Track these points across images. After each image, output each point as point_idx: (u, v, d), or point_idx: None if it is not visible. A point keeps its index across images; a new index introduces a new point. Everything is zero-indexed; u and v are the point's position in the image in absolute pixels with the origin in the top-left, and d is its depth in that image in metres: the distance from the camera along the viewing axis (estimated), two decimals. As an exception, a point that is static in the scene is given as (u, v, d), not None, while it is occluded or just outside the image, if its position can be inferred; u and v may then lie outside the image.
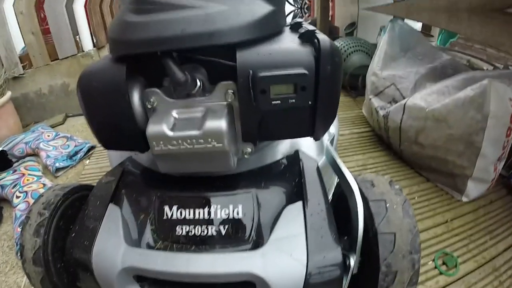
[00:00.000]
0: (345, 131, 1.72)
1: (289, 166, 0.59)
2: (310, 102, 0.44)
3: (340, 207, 0.58)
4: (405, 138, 1.32)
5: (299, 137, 0.50)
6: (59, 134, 1.83)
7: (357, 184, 0.53)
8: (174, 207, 0.53)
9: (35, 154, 1.70)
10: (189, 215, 0.52)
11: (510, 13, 0.90)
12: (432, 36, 2.40)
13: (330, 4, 2.57)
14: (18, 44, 2.17)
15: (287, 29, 0.52)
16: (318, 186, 0.53)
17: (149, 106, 0.49)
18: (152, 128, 0.45)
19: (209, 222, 0.52)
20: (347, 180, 0.53)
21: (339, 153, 1.49)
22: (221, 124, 0.44)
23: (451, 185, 1.19)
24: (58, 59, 2.23)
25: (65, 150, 1.68)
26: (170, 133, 0.45)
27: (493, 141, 1.03)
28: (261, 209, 0.52)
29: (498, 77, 1.04)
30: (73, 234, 0.55)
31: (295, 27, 0.52)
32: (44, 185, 1.38)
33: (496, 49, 1.58)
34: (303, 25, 0.50)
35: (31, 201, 1.28)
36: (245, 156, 0.52)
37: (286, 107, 0.43)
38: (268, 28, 0.45)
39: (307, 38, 0.45)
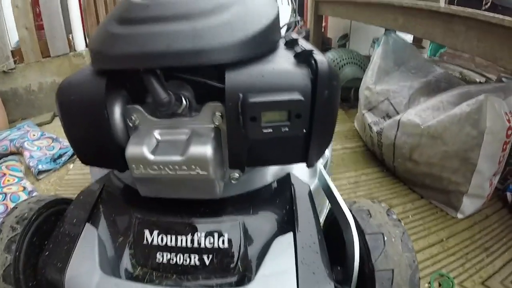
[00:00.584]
0: (337, 146, 1.70)
1: (280, 191, 0.56)
2: (304, 130, 0.41)
3: (332, 233, 0.55)
4: (399, 154, 1.30)
5: (291, 163, 0.48)
6: (44, 134, 1.79)
7: (353, 214, 0.50)
8: (155, 232, 0.50)
9: (18, 152, 1.66)
10: (171, 241, 0.49)
11: (508, 27, 0.89)
12: (424, 47, 2.42)
13: (323, 16, 2.58)
14: (13, 38, 2.13)
15: (281, 44, 0.49)
16: (311, 215, 0.50)
17: (130, 124, 0.46)
18: (131, 150, 0.42)
19: (192, 250, 0.48)
20: (342, 211, 0.50)
21: (330, 170, 1.46)
22: (206, 150, 0.41)
23: (446, 202, 1.18)
24: (49, 56, 2.23)
25: (49, 152, 1.64)
26: (151, 157, 0.42)
27: (489, 156, 1.01)
28: (248, 238, 0.49)
29: (493, 91, 1.05)
30: (47, 253, 0.52)
31: (290, 44, 0.48)
32: (24, 188, 1.35)
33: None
34: (299, 43, 0.47)
35: (10, 204, 1.24)
36: (232, 181, 0.49)
37: (278, 135, 0.40)
38: (262, 46, 0.42)
39: (304, 58, 0.42)
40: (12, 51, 2.09)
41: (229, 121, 0.40)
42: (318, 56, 0.41)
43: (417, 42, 2.50)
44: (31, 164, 1.54)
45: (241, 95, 0.38)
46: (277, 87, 0.39)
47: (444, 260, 0.98)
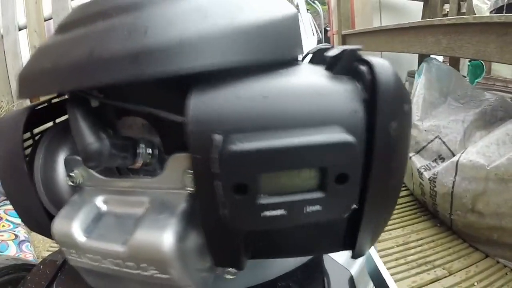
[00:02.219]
0: None
1: (307, 283, 0.40)
2: (355, 206, 0.21)
3: None
4: (458, 205, 1.18)
5: (326, 253, 0.37)
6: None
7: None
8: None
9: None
10: None
11: None
12: (465, 77, 2.29)
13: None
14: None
15: (304, 63, 0.32)
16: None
17: (70, 183, 0.34)
18: (56, 226, 0.31)
19: None
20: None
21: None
22: (164, 238, 0.25)
23: (519, 259, 1.07)
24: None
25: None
26: (81, 240, 0.29)
27: None
28: None
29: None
30: None
31: (318, 55, 0.30)
32: (16, 236, 1.29)
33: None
34: (332, 49, 0.29)
35: None
36: (227, 276, 0.32)
37: (302, 222, 0.21)
38: (262, 50, 0.24)
39: (345, 64, 0.23)
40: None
41: (198, 191, 0.23)
42: (374, 58, 0.22)
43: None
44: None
45: (217, 136, 0.20)
46: (295, 117, 0.20)
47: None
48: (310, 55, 0.31)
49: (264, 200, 0.20)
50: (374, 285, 0.49)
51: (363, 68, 0.21)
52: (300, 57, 0.31)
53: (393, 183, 0.23)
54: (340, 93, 0.21)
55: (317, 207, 0.20)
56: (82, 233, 0.29)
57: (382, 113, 0.20)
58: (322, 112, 0.20)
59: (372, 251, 0.50)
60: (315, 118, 0.20)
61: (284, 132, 0.20)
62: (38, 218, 0.34)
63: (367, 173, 0.21)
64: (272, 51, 0.25)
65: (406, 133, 0.23)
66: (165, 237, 0.24)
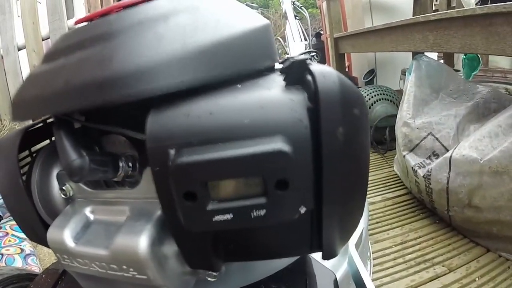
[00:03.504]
0: (376, 197, 1.55)
1: (290, 286, 0.40)
2: (304, 208, 0.23)
3: None
4: (454, 201, 1.16)
5: (293, 256, 0.37)
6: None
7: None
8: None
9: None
10: None
11: None
12: (459, 71, 2.27)
13: (345, 54, 2.52)
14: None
15: (270, 73, 0.33)
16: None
17: (63, 195, 0.38)
18: (51, 234, 0.34)
19: None
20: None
21: (369, 229, 1.35)
22: (139, 242, 0.28)
23: (520, 253, 1.05)
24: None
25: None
26: (71, 245, 0.33)
27: None
28: None
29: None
30: None
31: (283, 65, 0.32)
32: (22, 250, 1.33)
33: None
34: (294, 58, 0.30)
35: (2, 266, 1.24)
36: (209, 279, 0.33)
37: (247, 225, 0.23)
38: (217, 67, 0.25)
39: (295, 75, 0.24)
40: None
41: (160, 199, 0.26)
42: (317, 66, 0.23)
43: (448, 65, 2.39)
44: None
45: (171, 151, 0.22)
46: (238, 131, 0.22)
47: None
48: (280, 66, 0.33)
49: (212, 206, 0.22)
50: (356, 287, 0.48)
51: (309, 78, 0.23)
52: (277, 65, 0.33)
53: (350, 184, 0.25)
54: (285, 104, 0.23)
55: (263, 212, 0.22)
56: (72, 240, 0.32)
57: (326, 120, 0.22)
58: (265, 124, 0.22)
59: (354, 252, 0.51)
60: (257, 130, 0.22)
61: (227, 144, 0.22)
62: (36, 229, 0.37)
63: (320, 176, 0.22)
64: (229, 66, 0.26)
65: (359, 136, 0.24)
66: (140, 241, 0.27)
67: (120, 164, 0.32)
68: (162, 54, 0.24)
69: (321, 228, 0.25)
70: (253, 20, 0.32)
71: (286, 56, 0.35)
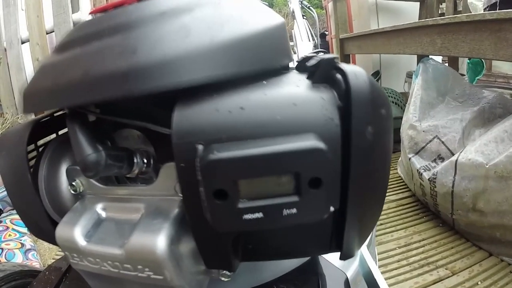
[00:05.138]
0: None
1: (301, 286, 0.40)
2: (332, 208, 0.22)
3: None
4: (459, 205, 1.16)
5: (310, 255, 0.36)
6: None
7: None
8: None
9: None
10: None
11: None
12: (464, 75, 2.26)
13: (351, 55, 2.51)
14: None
15: (290, 71, 0.33)
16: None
17: (72, 191, 0.36)
18: (60, 232, 0.32)
19: None
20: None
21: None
22: (156, 242, 0.26)
23: (523, 258, 1.05)
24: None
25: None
26: (82, 244, 0.31)
27: None
28: None
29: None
30: None
31: (302, 64, 0.31)
32: (22, 245, 1.32)
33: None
34: (315, 57, 0.30)
35: (3, 261, 1.23)
36: (223, 279, 0.33)
37: (281, 224, 0.22)
38: (243, 63, 0.25)
39: (323, 73, 0.24)
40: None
41: (185, 197, 0.24)
42: (348, 66, 0.23)
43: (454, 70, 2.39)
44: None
45: (199, 146, 0.21)
46: (270, 127, 0.21)
47: None
48: (296, 64, 0.33)
49: (243, 204, 0.21)
50: (368, 287, 0.48)
51: (339, 76, 0.22)
52: (291, 64, 0.32)
53: (374, 184, 0.24)
54: (315, 102, 0.23)
55: (294, 210, 0.21)
56: (83, 238, 0.30)
57: (357, 119, 0.21)
58: (297, 121, 0.22)
59: (366, 253, 0.50)
60: (290, 127, 0.22)
61: (259, 141, 0.21)
62: (43, 226, 0.36)
63: (347, 175, 0.22)
64: (255, 63, 0.26)
65: (385, 136, 0.24)
66: (158, 240, 0.26)
67: (135, 160, 0.31)
68: (190, 46, 0.24)
69: (344, 228, 0.25)
70: (272, 17, 0.32)
71: (304, 55, 0.34)
